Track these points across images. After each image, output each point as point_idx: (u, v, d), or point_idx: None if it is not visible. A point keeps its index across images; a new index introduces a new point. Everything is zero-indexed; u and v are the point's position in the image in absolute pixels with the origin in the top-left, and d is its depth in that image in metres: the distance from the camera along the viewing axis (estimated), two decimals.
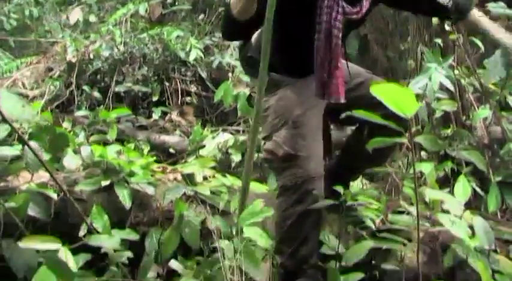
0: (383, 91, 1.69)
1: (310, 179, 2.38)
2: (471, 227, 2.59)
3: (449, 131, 3.61)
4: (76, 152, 3.22)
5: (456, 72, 3.54)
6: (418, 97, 2.97)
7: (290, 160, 2.37)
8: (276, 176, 2.49)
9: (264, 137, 2.51)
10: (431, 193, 2.67)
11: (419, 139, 3.20)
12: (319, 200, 2.41)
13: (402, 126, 1.77)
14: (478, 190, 3.18)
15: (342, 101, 2.43)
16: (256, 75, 2.24)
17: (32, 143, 2.77)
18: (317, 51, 2.43)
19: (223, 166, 3.91)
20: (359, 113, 1.82)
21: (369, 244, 2.56)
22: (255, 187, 3.01)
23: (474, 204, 3.20)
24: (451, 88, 3.30)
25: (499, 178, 3.09)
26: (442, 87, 3.22)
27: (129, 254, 2.64)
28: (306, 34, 2.43)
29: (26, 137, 3.11)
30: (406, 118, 1.69)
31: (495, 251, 2.59)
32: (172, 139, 4.82)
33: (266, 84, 2.22)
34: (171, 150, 4.63)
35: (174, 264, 2.69)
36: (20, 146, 2.97)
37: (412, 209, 2.58)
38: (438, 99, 3.41)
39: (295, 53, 2.49)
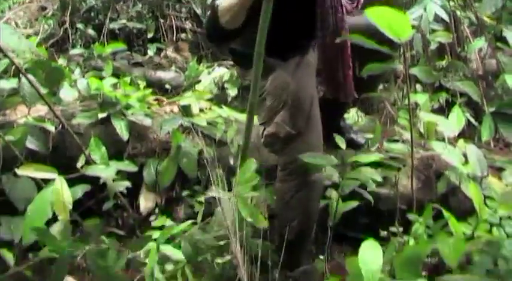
0: (377, 15, 1.69)
1: (312, 152, 2.38)
2: (464, 155, 2.64)
3: (444, 63, 3.61)
4: (72, 86, 3.22)
5: (451, 3, 3.51)
6: (413, 28, 2.96)
7: (292, 139, 2.37)
8: (278, 156, 2.47)
9: (263, 123, 2.50)
10: (425, 116, 2.69)
11: (414, 71, 3.18)
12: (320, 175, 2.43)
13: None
14: (472, 120, 3.20)
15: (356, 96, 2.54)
16: (244, 66, 2.23)
17: (29, 77, 2.76)
18: (323, 51, 2.47)
19: (219, 100, 3.91)
20: (354, 38, 1.82)
21: (365, 171, 2.59)
22: None
23: (468, 134, 3.23)
24: (446, 19, 3.27)
25: (492, 109, 3.09)
26: (437, 19, 3.20)
27: (127, 183, 2.67)
28: (296, 16, 2.43)
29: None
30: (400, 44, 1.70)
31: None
32: (168, 75, 4.79)
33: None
34: (167, 86, 4.61)
35: None
36: (16, 80, 2.98)
37: (407, 136, 2.61)
38: (433, 30, 3.38)
39: (285, 35, 2.41)
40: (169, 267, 2.11)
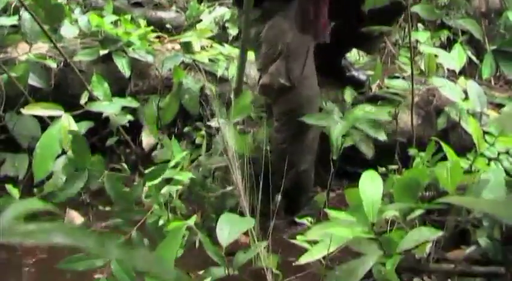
0: None
1: (306, 104, 2.39)
2: (465, 92, 2.65)
3: (446, 0, 3.58)
4: (73, 24, 3.20)
5: None
6: None
7: (287, 90, 2.35)
8: (273, 106, 2.46)
9: (259, 69, 2.47)
10: (426, 49, 2.69)
11: (416, 8, 3.15)
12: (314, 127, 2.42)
13: None
14: (473, 58, 3.20)
15: (328, 40, 2.38)
16: (242, 6, 2.21)
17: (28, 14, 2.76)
18: None
19: (220, 39, 3.88)
20: None
21: (365, 107, 2.61)
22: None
23: (469, 72, 3.23)
24: None
25: (494, 47, 3.09)
26: None
27: (130, 117, 2.70)
28: None
29: (22, 9, 3.08)
30: None
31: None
32: (168, 15, 4.73)
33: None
34: (168, 26, 4.56)
35: None
36: (17, 17, 2.97)
37: (408, 73, 2.62)
38: None
39: None
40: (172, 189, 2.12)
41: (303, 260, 1.67)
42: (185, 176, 2.12)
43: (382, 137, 2.39)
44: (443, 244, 2.06)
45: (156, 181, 2.00)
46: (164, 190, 2.08)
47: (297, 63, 2.34)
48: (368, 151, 2.43)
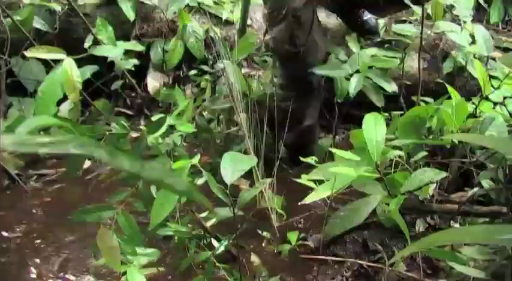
0: None
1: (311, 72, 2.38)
2: (472, 36, 2.63)
3: None
4: None
5: None
6: None
7: (292, 56, 2.33)
8: (279, 66, 2.44)
9: (267, 23, 2.45)
10: None
11: None
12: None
13: None
14: (481, 1, 3.16)
15: None
16: None
17: None
18: None
19: None
20: None
21: (372, 51, 2.60)
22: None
23: (476, 19, 3.20)
24: None
25: None
26: None
27: (135, 61, 2.68)
28: None
29: None
30: None
31: (493, 58, 2.63)
32: None
33: None
34: None
35: None
36: None
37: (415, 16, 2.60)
38: None
39: None
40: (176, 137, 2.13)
41: (309, 199, 1.68)
42: (189, 128, 2.13)
43: (391, 88, 2.40)
44: (447, 187, 2.08)
45: (158, 133, 2.00)
46: (168, 139, 2.08)
47: (301, 30, 2.30)
48: (378, 99, 2.43)
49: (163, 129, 2.02)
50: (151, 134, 2.02)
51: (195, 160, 1.70)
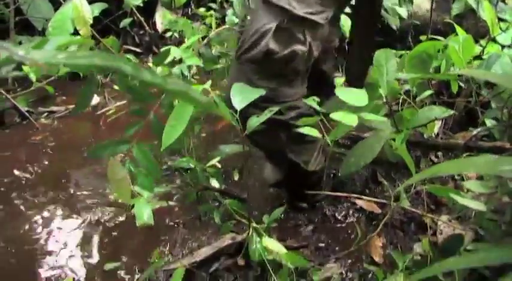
0: None
1: None
2: None
3: None
4: None
5: None
6: None
7: None
8: None
9: None
10: None
11: None
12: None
13: None
14: None
15: None
16: None
17: None
18: None
19: None
20: None
21: None
22: None
23: None
24: None
25: None
26: None
27: None
28: None
29: None
30: None
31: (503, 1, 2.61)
32: None
33: None
34: None
35: None
36: None
37: None
38: None
39: None
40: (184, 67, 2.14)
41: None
42: (196, 60, 2.13)
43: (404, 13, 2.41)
44: (451, 126, 2.10)
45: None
46: (176, 69, 2.09)
47: None
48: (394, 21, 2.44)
49: (168, 59, 2.03)
50: (158, 65, 2.03)
51: (207, 85, 1.70)
